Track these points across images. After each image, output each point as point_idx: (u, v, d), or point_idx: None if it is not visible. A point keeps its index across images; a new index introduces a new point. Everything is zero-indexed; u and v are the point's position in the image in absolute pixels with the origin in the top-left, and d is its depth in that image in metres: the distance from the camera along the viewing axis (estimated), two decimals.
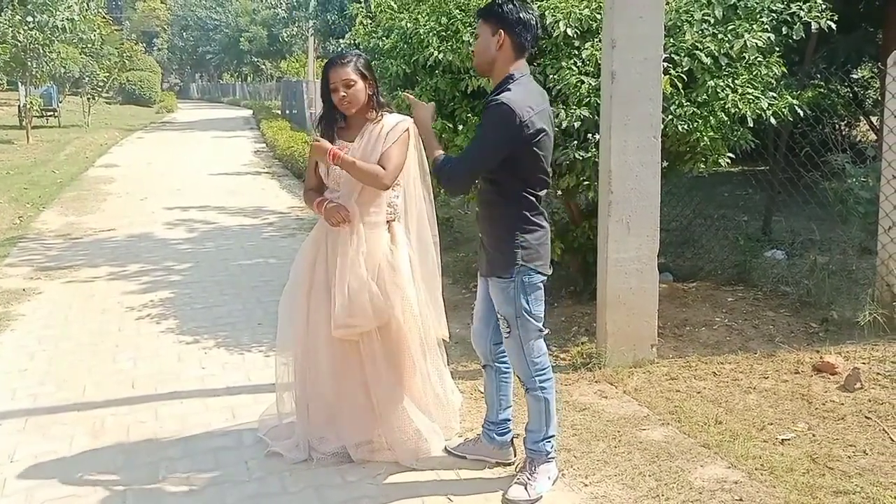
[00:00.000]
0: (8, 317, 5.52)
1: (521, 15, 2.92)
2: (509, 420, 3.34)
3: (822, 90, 7.87)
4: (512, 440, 3.34)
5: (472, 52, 3.19)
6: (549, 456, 3.13)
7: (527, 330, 3.01)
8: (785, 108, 4.74)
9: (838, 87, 9.84)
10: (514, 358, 3.09)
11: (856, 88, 11.62)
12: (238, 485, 3.21)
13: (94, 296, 6.10)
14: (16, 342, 5.02)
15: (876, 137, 8.69)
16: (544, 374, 3.07)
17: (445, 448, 3.42)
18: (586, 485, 3.15)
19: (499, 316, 3.06)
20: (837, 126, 9.51)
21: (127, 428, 3.76)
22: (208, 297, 6.02)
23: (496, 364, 3.28)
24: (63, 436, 3.67)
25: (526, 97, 2.90)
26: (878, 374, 4.14)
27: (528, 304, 2.99)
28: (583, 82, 4.44)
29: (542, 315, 3.07)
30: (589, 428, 3.64)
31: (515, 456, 3.33)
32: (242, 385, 4.28)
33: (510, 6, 2.92)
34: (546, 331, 3.10)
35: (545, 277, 3.07)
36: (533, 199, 2.98)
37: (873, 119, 10.87)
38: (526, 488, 3.04)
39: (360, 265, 3.23)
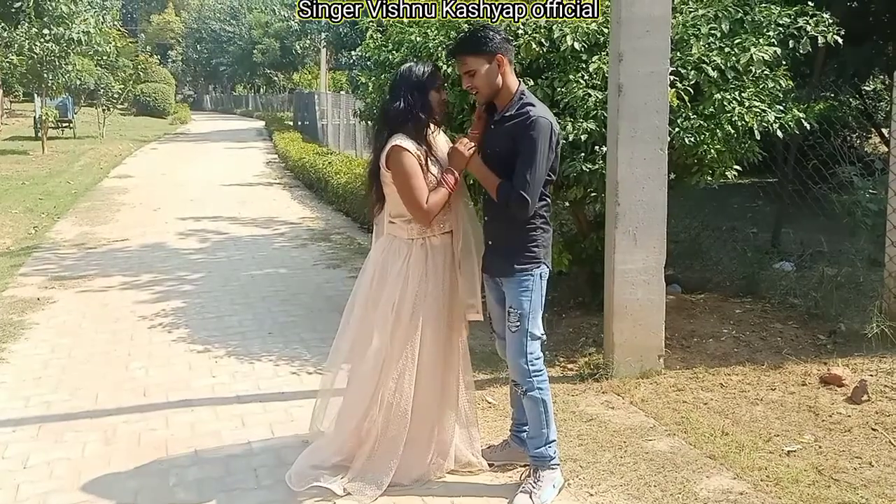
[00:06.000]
0: (22, 325, 5.59)
1: (504, 34, 3.13)
2: None
3: (831, 103, 7.86)
4: None
5: (469, 88, 3.13)
6: (553, 462, 3.16)
7: (533, 326, 3.11)
8: (792, 121, 4.76)
9: (848, 99, 9.84)
10: (516, 355, 3.12)
11: (866, 101, 11.60)
12: (247, 492, 3.25)
13: (107, 305, 6.17)
14: (30, 350, 5.08)
15: (887, 150, 8.66)
16: (541, 374, 3.13)
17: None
18: (592, 494, 3.17)
19: (510, 311, 3.13)
20: (847, 138, 9.50)
21: (138, 435, 3.81)
22: (219, 307, 6.08)
23: None
24: (76, 443, 3.73)
25: (546, 108, 3.14)
26: (886, 386, 4.14)
27: (541, 297, 3.14)
28: (590, 95, 4.48)
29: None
30: (595, 438, 3.66)
31: None
32: (252, 394, 4.33)
33: (491, 32, 3.09)
34: (544, 336, 3.17)
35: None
36: (547, 198, 3.13)
37: (884, 131, 10.85)
38: (531, 496, 3.07)
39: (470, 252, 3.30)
